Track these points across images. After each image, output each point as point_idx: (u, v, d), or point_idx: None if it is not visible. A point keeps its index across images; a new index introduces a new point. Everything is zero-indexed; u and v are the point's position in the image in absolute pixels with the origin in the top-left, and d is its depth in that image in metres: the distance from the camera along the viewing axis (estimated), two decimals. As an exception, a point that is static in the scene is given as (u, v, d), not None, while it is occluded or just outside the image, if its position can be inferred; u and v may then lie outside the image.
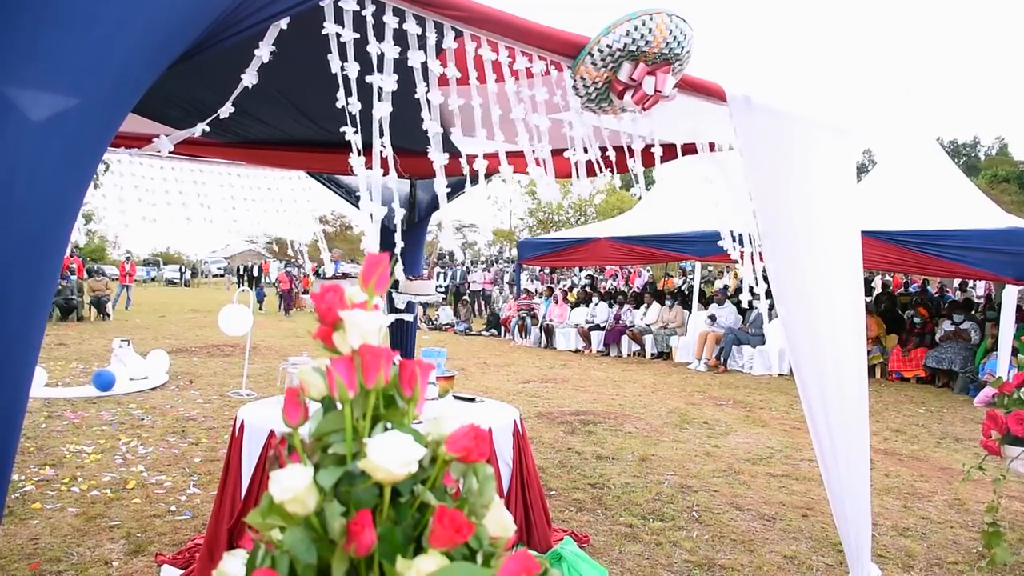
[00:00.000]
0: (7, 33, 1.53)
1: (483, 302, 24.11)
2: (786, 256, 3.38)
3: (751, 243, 3.52)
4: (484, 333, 19.24)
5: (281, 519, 0.86)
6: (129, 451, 6.24)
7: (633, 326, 15.27)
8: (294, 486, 0.84)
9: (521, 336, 17.16)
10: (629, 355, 14.94)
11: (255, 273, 32.86)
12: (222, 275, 50.68)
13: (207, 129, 2.37)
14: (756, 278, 3.51)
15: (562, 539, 4.10)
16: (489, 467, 0.97)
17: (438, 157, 2.32)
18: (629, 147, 3.07)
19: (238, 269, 35.84)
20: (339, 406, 0.95)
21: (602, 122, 2.92)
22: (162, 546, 4.24)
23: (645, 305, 15.86)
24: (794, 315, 3.42)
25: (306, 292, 25.66)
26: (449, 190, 2.51)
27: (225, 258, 56.88)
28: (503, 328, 18.54)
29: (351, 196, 5.87)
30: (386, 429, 0.94)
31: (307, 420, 0.95)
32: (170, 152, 2.53)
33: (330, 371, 0.89)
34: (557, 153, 2.90)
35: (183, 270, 50.76)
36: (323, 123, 3.85)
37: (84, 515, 4.66)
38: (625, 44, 2.53)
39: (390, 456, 0.87)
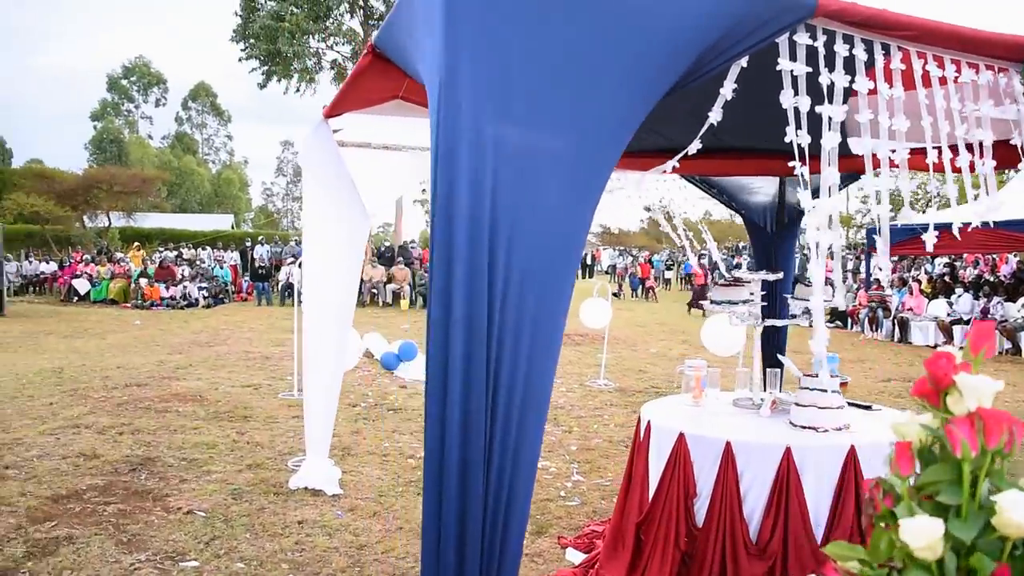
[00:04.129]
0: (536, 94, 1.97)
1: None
2: None
3: None
4: (828, 326, 18.21)
5: (906, 561, 0.97)
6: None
7: (1005, 321, 13.49)
8: (928, 535, 0.94)
9: (871, 329, 16.04)
10: (1001, 353, 13.16)
11: (587, 261, 34.22)
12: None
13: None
14: None
15: None
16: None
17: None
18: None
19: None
20: (938, 458, 1.03)
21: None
22: (560, 529, 4.63)
23: (1024, 296, 13.90)
24: None
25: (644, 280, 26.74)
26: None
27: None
28: (849, 320, 17.42)
29: (722, 196, 6.13)
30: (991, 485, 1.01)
31: (912, 471, 1.04)
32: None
33: (951, 430, 0.98)
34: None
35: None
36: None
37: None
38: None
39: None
